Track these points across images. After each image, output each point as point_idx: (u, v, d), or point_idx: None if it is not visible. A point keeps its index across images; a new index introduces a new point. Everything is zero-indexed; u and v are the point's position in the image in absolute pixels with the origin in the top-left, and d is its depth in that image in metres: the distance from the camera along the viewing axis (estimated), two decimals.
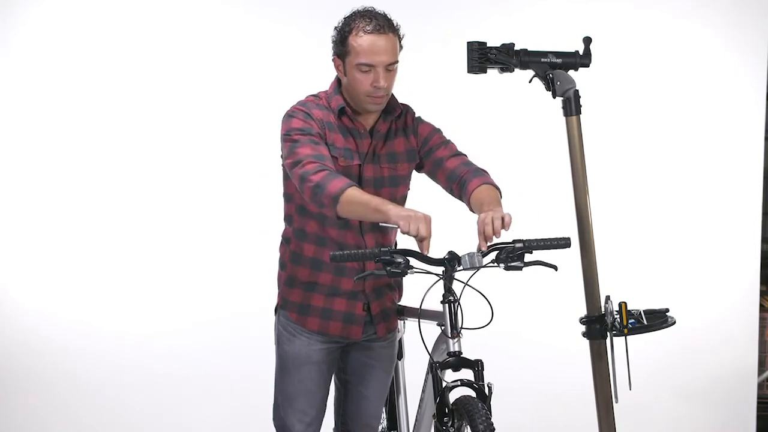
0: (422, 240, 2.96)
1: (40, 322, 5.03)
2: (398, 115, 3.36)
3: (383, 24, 3.16)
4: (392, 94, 3.32)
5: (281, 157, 3.24)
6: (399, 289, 3.49)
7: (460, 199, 3.37)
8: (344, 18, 3.20)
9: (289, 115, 3.22)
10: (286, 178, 3.28)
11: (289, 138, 3.17)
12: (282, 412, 3.36)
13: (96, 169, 5.07)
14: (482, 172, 3.36)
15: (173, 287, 5.04)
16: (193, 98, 5.06)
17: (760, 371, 5.35)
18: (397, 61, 3.20)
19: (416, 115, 3.44)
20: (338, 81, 3.31)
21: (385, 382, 3.49)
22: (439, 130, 3.46)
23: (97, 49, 5.05)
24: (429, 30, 5.04)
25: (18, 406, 5.02)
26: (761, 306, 5.24)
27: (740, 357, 5.12)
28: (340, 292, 3.30)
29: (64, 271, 5.06)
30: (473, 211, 3.27)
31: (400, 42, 3.23)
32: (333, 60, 3.24)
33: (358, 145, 3.27)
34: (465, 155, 3.44)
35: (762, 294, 5.33)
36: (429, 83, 5.05)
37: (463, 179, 3.34)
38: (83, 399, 5.02)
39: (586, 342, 3.64)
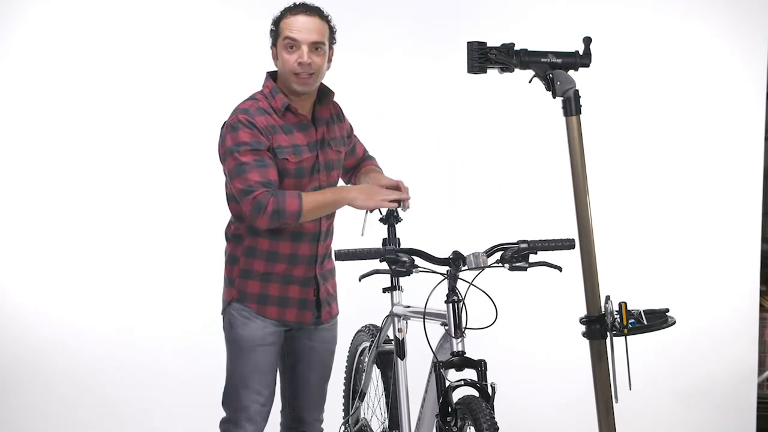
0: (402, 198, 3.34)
1: (40, 322, 5.03)
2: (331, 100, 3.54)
3: (311, 9, 3.37)
4: (322, 82, 3.47)
5: (225, 170, 3.34)
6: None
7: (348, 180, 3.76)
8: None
9: (232, 127, 3.32)
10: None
11: (237, 154, 3.28)
12: (237, 394, 3.46)
13: (96, 170, 5.07)
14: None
15: (173, 287, 5.04)
16: (194, 99, 5.06)
17: (760, 371, 5.36)
18: (324, 43, 3.36)
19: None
20: (273, 80, 3.43)
21: (328, 363, 3.64)
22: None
23: (97, 49, 5.05)
24: (429, 30, 5.05)
25: (18, 406, 5.02)
26: (761, 306, 5.25)
27: (740, 357, 5.12)
28: (293, 280, 3.44)
29: (65, 271, 5.06)
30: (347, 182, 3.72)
31: (332, 33, 3.41)
32: (271, 52, 3.42)
33: (307, 135, 3.40)
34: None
35: (762, 294, 5.33)
36: (429, 83, 5.06)
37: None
38: (83, 399, 5.02)
39: (586, 342, 3.65)
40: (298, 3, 3.39)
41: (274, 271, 3.41)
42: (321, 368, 3.61)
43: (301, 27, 3.31)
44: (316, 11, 3.36)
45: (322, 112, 3.48)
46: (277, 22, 3.37)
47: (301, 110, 3.40)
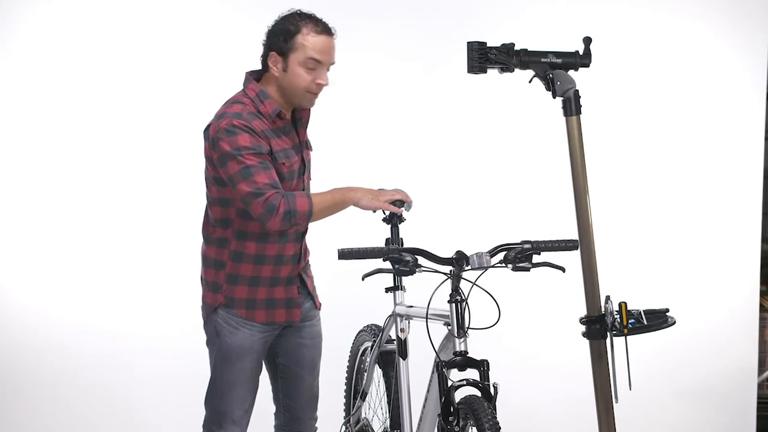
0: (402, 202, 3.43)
1: (40, 322, 5.03)
2: None
3: (329, 27, 3.36)
4: None
5: (223, 175, 3.27)
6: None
7: None
8: (285, 18, 3.35)
9: (228, 131, 3.27)
10: (221, 184, 3.34)
11: (240, 157, 3.24)
12: (222, 398, 3.48)
13: (96, 170, 5.07)
14: None
15: (173, 287, 5.03)
16: (194, 99, 5.05)
17: (760, 371, 5.36)
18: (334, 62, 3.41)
19: None
20: (257, 84, 3.40)
21: (317, 359, 3.67)
22: None
23: (97, 50, 5.04)
24: (429, 30, 5.05)
25: (18, 406, 5.02)
26: (761, 306, 5.24)
27: (740, 357, 5.12)
28: (279, 281, 3.45)
29: (65, 272, 5.06)
30: None
31: None
32: (269, 56, 3.35)
33: (291, 139, 3.42)
34: None
35: (762, 294, 5.33)
36: (429, 83, 5.06)
37: None
38: (83, 399, 5.02)
39: (586, 342, 3.65)
40: (314, 18, 3.34)
41: (261, 274, 3.41)
42: (312, 365, 3.64)
43: (327, 48, 3.32)
44: (332, 30, 3.36)
45: (302, 114, 3.50)
46: (291, 34, 3.30)
47: (287, 115, 3.42)
